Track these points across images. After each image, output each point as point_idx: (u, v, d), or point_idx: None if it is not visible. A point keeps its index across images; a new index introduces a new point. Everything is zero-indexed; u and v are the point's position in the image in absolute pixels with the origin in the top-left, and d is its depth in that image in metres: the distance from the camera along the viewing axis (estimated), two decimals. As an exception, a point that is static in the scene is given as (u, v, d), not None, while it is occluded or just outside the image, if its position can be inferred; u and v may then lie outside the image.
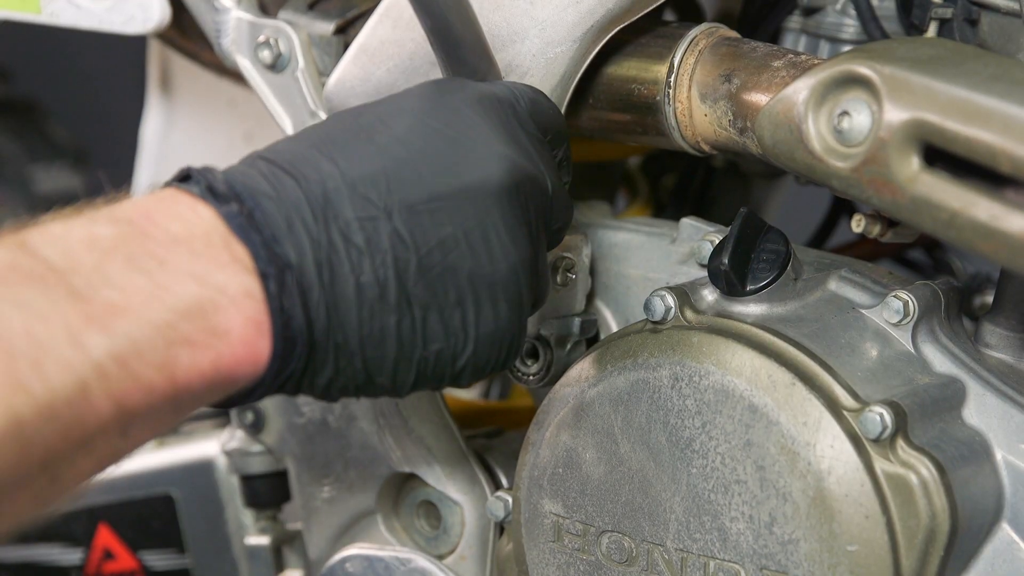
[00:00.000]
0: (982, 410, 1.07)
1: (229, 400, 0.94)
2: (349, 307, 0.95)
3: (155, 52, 1.63)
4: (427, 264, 0.97)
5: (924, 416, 1.04)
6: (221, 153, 1.67)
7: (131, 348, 0.87)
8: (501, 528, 1.23)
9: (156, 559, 1.45)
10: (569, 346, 1.18)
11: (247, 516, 1.40)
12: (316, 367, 0.96)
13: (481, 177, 0.99)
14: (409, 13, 1.16)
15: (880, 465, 1.02)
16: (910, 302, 1.08)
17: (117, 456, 0.90)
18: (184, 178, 0.96)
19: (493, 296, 0.99)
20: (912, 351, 1.08)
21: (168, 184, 0.96)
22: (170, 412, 0.90)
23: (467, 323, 0.99)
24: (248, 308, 0.91)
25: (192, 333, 0.89)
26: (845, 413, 1.03)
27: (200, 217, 0.93)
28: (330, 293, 0.94)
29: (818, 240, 1.53)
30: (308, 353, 0.95)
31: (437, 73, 1.15)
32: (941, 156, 0.98)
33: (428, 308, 0.97)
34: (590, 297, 1.19)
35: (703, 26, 1.15)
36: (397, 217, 0.96)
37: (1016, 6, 1.13)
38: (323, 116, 1.22)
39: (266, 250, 0.93)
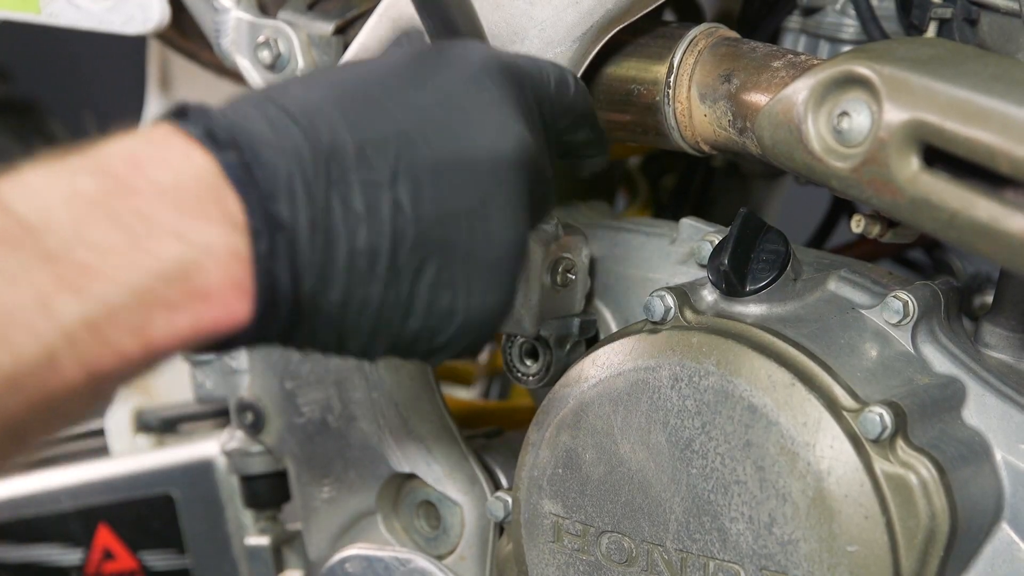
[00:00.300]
0: (982, 410, 1.07)
1: (202, 350, 0.91)
2: (338, 274, 0.91)
3: (155, 52, 1.63)
4: (424, 238, 0.93)
5: (924, 416, 1.04)
6: (221, 153, 1.66)
7: (105, 313, 0.83)
8: (501, 528, 1.23)
9: (156, 559, 1.45)
10: (569, 346, 1.18)
11: (247, 516, 1.40)
12: (293, 327, 0.92)
13: (492, 151, 0.95)
14: (409, 13, 1.16)
15: (880, 465, 1.02)
16: (910, 302, 1.08)
17: (88, 413, 0.87)
18: (180, 113, 0.90)
19: (485, 279, 0.96)
20: (912, 351, 1.08)
21: (163, 119, 0.90)
22: (143, 370, 0.87)
23: (455, 306, 0.95)
24: (233, 269, 0.87)
25: (171, 296, 0.85)
26: (845, 413, 1.03)
27: (192, 165, 0.87)
28: (321, 258, 0.90)
29: (818, 240, 1.53)
30: (290, 316, 0.91)
31: (437, 73, 1.15)
32: (941, 156, 0.98)
33: (417, 284, 0.93)
34: (590, 297, 1.19)
35: (703, 26, 1.15)
36: (401, 186, 0.92)
37: (1016, 6, 1.13)
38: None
39: (261, 207, 0.88)
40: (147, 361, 0.86)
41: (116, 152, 0.87)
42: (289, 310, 0.90)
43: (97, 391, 0.85)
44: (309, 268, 0.90)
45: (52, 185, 0.84)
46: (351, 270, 0.91)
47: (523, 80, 0.99)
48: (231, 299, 0.87)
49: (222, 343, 0.90)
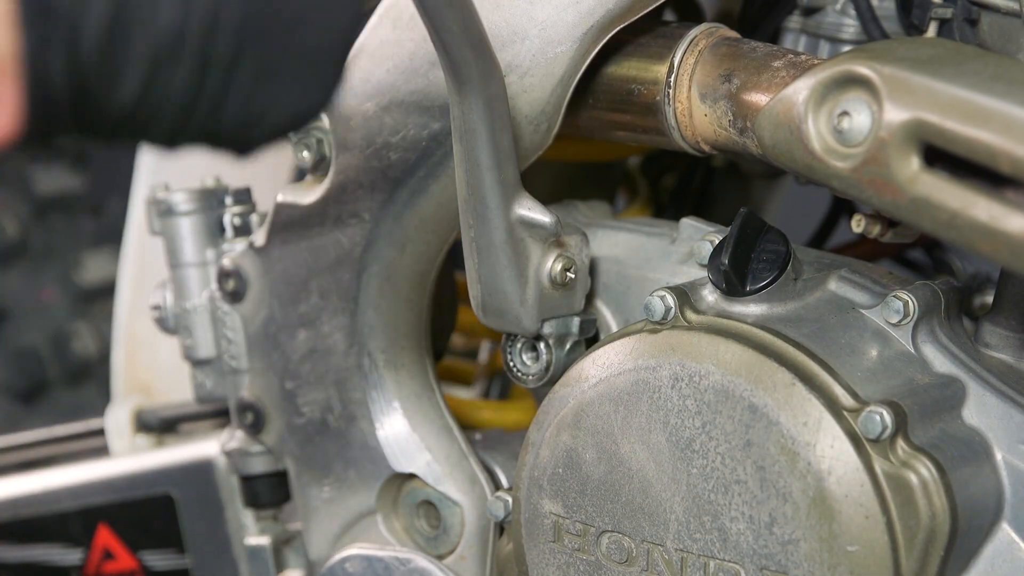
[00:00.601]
0: (982, 410, 1.07)
1: None
2: (133, 64, 0.77)
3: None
4: (243, 23, 0.79)
5: (924, 416, 1.04)
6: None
7: None
8: (501, 528, 1.23)
9: (156, 559, 1.45)
10: (569, 346, 1.18)
11: (247, 516, 1.40)
12: (80, 124, 0.79)
13: None
14: (409, 13, 1.16)
15: (880, 465, 1.02)
16: (910, 302, 1.08)
17: None
18: None
19: (309, 72, 0.83)
20: (912, 351, 1.08)
21: None
22: None
23: (274, 100, 0.82)
24: None
25: None
26: (845, 413, 1.03)
27: None
28: (111, 43, 0.76)
29: (818, 240, 1.53)
30: (74, 116, 0.78)
31: (437, 72, 1.15)
32: (941, 156, 0.98)
33: (232, 74, 0.80)
34: (590, 297, 1.19)
35: (703, 26, 1.16)
36: None
37: (1016, 6, 1.13)
38: (323, 116, 1.22)
39: None
40: None
41: None
42: (71, 112, 0.78)
43: None
44: (95, 62, 0.76)
45: None
46: (151, 59, 0.77)
47: None
48: None
49: None
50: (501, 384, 1.66)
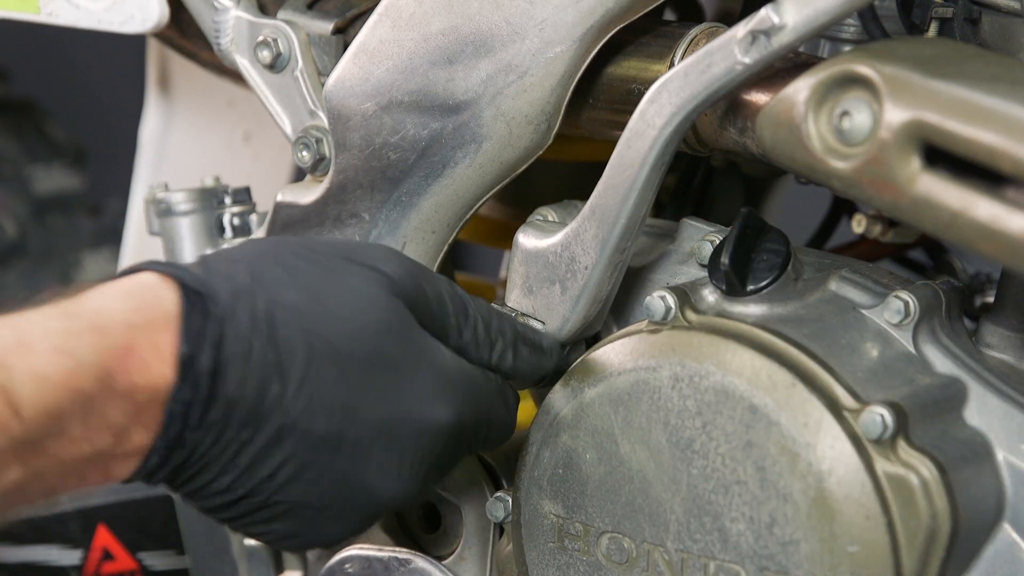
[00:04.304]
0: (983, 410, 1.07)
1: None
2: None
3: (154, 52, 1.63)
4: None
5: (925, 416, 1.04)
6: (220, 153, 1.66)
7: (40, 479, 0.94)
8: (501, 529, 1.23)
9: (155, 560, 1.45)
10: (569, 346, 1.18)
11: (247, 516, 1.40)
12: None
13: (428, 416, 1.04)
14: (409, 13, 1.16)
15: (881, 466, 1.02)
16: (911, 302, 1.08)
17: None
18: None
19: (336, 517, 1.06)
20: (913, 351, 1.08)
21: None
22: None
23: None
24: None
25: (90, 474, 0.97)
26: (846, 414, 1.03)
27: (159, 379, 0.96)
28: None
29: (818, 240, 1.53)
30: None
31: (436, 71, 1.14)
32: (942, 156, 0.98)
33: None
34: (590, 297, 1.19)
35: (703, 26, 1.15)
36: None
37: (1016, 6, 1.13)
38: (323, 116, 1.22)
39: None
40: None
41: (110, 356, 0.95)
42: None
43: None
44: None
45: (55, 375, 0.92)
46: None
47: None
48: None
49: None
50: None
